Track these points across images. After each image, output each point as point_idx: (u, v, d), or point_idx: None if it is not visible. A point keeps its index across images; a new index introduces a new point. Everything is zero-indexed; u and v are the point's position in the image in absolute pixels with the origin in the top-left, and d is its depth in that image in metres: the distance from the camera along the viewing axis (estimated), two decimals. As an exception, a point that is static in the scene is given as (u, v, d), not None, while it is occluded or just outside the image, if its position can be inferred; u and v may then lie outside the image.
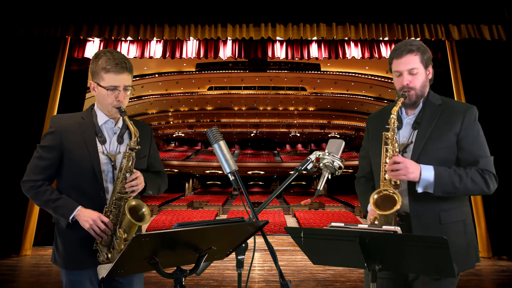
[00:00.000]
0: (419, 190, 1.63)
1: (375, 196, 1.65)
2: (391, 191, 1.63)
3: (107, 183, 1.77)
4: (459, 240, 1.65)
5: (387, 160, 1.67)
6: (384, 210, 1.60)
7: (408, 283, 1.70)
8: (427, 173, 1.60)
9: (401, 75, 1.76)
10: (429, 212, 1.66)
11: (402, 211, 1.69)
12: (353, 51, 7.27)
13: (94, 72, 1.78)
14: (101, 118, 1.83)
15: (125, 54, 7.45)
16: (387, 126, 1.70)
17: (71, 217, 1.69)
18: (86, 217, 1.67)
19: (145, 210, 1.70)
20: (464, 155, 1.69)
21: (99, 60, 1.75)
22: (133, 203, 1.69)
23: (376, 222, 1.66)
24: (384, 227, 1.24)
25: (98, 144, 1.78)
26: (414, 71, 1.73)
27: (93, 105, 1.88)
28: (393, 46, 7.30)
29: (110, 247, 1.69)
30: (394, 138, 1.68)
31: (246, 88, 27.63)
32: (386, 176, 1.67)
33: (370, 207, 1.71)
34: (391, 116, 1.69)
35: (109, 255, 1.67)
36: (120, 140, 1.82)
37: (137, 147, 1.73)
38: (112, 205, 1.71)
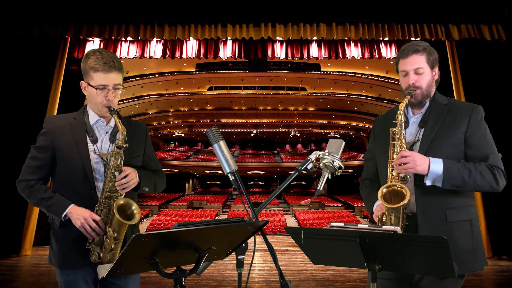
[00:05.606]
0: (428, 183, 1.63)
1: (384, 190, 1.65)
2: (399, 186, 1.64)
3: (98, 182, 1.77)
4: (465, 241, 1.65)
5: (394, 156, 1.68)
6: (393, 204, 1.61)
7: (413, 284, 1.70)
8: (436, 165, 1.61)
9: (407, 74, 1.77)
10: (436, 208, 1.66)
11: (408, 211, 1.69)
12: (353, 51, 7.28)
13: (84, 71, 1.78)
14: (93, 117, 1.83)
15: (125, 54, 7.51)
16: (395, 122, 1.71)
17: (63, 215, 1.70)
18: (78, 215, 1.68)
19: (134, 208, 1.69)
20: (473, 152, 1.69)
21: (89, 60, 1.75)
22: (122, 202, 1.68)
23: (384, 219, 1.66)
24: (384, 227, 1.24)
25: (90, 144, 1.78)
26: (420, 71, 1.75)
27: (86, 105, 1.88)
28: (393, 46, 7.36)
29: (102, 246, 1.69)
30: (402, 134, 1.69)
31: (246, 88, 27.59)
32: (394, 172, 1.68)
33: (378, 202, 1.71)
34: (398, 111, 1.70)
35: (101, 255, 1.68)
36: (112, 139, 1.82)
37: (124, 145, 1.71)
38: (102, 204, 1.71)
